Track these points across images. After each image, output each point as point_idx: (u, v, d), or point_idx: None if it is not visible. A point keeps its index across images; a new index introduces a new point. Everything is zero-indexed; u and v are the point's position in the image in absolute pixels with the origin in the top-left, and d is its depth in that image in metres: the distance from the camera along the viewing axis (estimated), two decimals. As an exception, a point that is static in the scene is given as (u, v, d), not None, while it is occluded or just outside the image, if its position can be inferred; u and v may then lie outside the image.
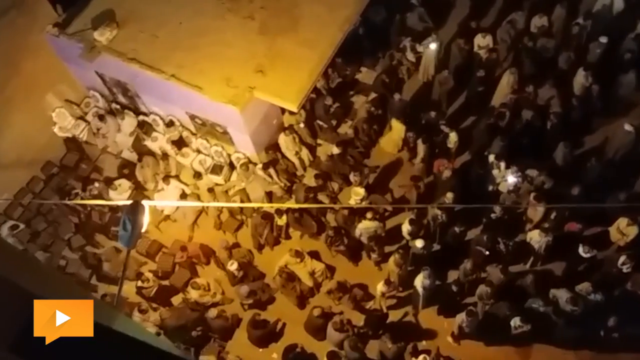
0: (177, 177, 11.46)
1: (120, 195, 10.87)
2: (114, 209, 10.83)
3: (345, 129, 11.82)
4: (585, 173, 10.05)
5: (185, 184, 11.25)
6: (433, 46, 11.38)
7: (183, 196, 10.89)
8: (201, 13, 10.50)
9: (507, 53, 11.40)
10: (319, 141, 11.76)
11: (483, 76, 10.86)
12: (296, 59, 9.89)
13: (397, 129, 10.98)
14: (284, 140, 10.96)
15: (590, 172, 10.01)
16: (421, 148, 10.49)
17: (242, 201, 10.68)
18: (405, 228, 9.89)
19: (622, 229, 9.43)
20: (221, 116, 10.51)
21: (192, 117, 11.21)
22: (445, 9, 12.69)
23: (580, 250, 9.15)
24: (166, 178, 11.06)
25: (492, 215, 9.62)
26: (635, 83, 10.77)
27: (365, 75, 12.33)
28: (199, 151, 11.55)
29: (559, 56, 11.03)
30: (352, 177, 10.70)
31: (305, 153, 11.32)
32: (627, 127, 10.12)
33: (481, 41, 11.30)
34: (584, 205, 9.26)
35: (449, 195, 9.60)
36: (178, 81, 10.03)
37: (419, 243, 9.55)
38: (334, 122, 11.74)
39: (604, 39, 10.73)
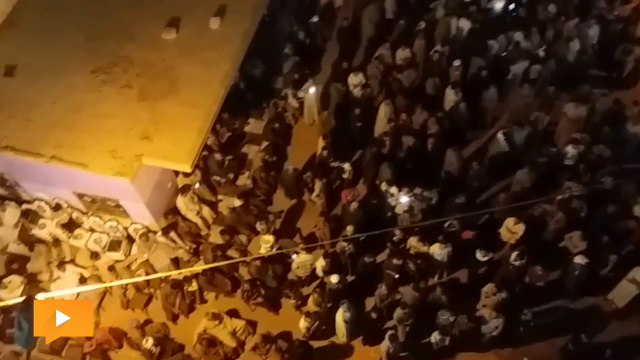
0: (72, 261, 10.87)
1: (11, 294, 10.16)
2: (7, 310, 10.06)
3: (244, 180, 11.94)
4: (469, 180, 10.82)
5: (83, 267, 10.70)
6: (312, 90, 12.01)
7: (82, 281, 10.38)
8: (74, 89, 10.28)
9: (380, 87, 12.24)
10: (219, 197, 11.74)
11: (361, 111, 11.56)
12: (182, 120, 9.93)
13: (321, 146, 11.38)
14: (182, 202, 10.81)
15: (474, 178, 10.79)
16: (317, 185, 10.85)
17: (147, 274, 10.30)
18: (320, 265, 10.06)
19: (510, 228, 10.22)
20: (111, 189, 10.19)
21: (81, 196, 10.79)
22: (317, 55, 13.44)
23: (478, 255, 9.79)
24: (61, 265, 10.48)
25: (395, 238, 10.07)
26: (497, 96, 11.94)
27: (254, 126, 12.61)
28: (92, 230, 11.08)
29: (426, 82, 12.01)
30: (258, 226, 10.80)
31: (207, 211, 11.23)
32: (500, 135, 11.10)
33: (354, 79, 12.07)
34: (472, 214, 9.96)
35: (349, 228, 10.00)
36: (60, 162, 9.66)
37: (334, 278, 9.74)
38: (231, 176, 11.81)
39: (457, 62, 11.88)
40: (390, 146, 11.06)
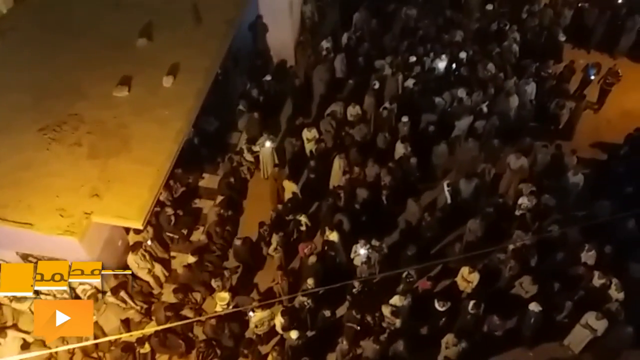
0: (14, 326, 10.23)
1: (-55, 364, 9.36)
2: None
3: (198, 235, 11.76)
4: (423, 231, 11.02)
5: (26, 332, 10.04)
6: (268, 144, 12.15)
7: (25, 346, 9.73)
8: (21, 147, 10.02)
9: (333, 141, 12.56)
10: (172, 254, 11.47)
11: (316, 164, 11.82)
12: (133, 177, 9.77)
13: (288, 189, 11.50)
14: (133, 260, 10.50)
15: (427, 228, 11.00)
16: (274, 238, 10.79)
17: (95, 337, 9.74)
18: (279, 321, 9.84)
19: (466, 277, 10.38)
20: (59, 249, 9.76)
21: (25, 257, 10.30)
22: (271, 111, 13.71)
23: (436, 305, 9.84)
24: (2, 330, 9.84)
25: (354, 290, 10.02)
26: (447, 151, 12.40)
27: (209, 181, 12.62)
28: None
29: (377, 137, 12.40)
30: (213, 283, 10.55)
31: (159, 269, 10.93)
32: (446, 187, 11.53)
33: (308, 134, 12.40)
34: (430, 263, 10.09)
35: (310, 282, 9.91)
36: (3, 222, 9.27)
37: (294, 334, 9.52)
38: (184, 232, 11.59)
39: (405, 119, 12.40)
40: (346, 198, 11.20)
